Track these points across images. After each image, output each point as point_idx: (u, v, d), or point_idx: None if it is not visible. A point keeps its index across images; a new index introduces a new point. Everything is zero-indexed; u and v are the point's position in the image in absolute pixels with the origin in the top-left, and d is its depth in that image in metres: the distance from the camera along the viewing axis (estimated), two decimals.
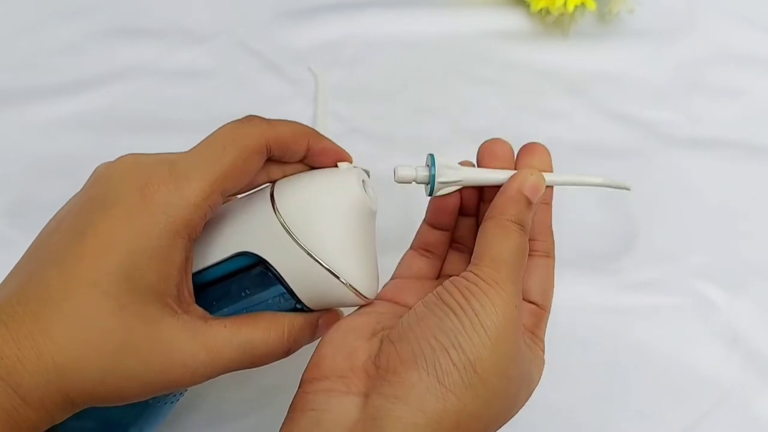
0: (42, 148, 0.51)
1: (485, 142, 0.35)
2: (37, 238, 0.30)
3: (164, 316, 0.29)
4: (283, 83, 0.55)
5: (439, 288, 0.30)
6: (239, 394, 0.43)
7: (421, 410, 0.27)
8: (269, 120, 0.32)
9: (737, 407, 0.44)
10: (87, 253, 0.28)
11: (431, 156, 0.34)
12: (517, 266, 0.30)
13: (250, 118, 0.32)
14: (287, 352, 0.33)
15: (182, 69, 0.55)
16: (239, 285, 0.33)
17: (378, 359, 0.29)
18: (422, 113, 0.54)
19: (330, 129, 0.53)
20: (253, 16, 0.58)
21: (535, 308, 0.34)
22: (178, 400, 0.36)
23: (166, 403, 0.35)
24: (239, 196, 0.35)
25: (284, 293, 0.33)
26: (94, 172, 0.31)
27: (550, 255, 0.35)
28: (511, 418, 0.31)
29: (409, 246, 0.38)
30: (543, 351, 0.33)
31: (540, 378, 0.32)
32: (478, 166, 0.35)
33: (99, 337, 0.27)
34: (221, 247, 0.33)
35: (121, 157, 0.31)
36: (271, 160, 0.33)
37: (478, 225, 0.36)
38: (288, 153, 0.33)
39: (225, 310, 0.33)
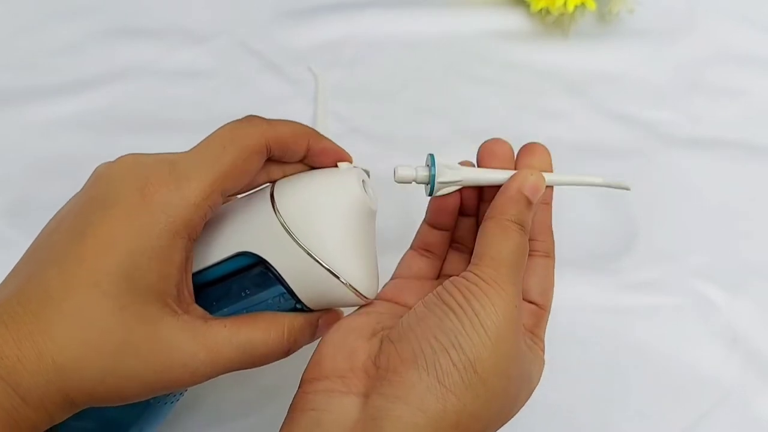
0: (42, 148, 0.51)
1: (485, 141, 0.35)
2: (37, 238, 0.30)
3: (164, 316, 0.29)
4: (283, 83, 0.55)
5: (439, 288, 0.30)
6: (239, 394, 0.43)
7: (421, 410, 0.27)
8: (269, 120, 0.32)
9: (737, 407, 0.44)
10: (87, 254, 0.28)
11: (431, 156, 0.34)
12: (517, 266, 0.30)
13: (250, 118, 0.32)
14: (287, 352, 0.33)
15: (182, 69, 0.55)
16: (239, 285, 0.33)
17: (378, 359, 0.29)
18: (422, 113, 0.54)
19: (330, 129, 0.53)
20: (253, 16, 0.58)
21: (535, 308, 0.34)
22: (178, 400, 0.36)
23: (166, 403, 0.35)
24: (239, 196, 0.35)
25: (284, 293, 0.33)
26: (94, 172, 0.31)
27: (550, 255, 0.35)
28: (511, 418, 0.31)
29: (409, 246, 0.38)
30: (543, 351, 0.33)
31: (540, 378, 0.32)
32: (478, 166, 0.35)
33: (99, 337, 0.27)
34: (221, 247, 0.33)
35: (121, 157, 0.31)
36: (271, 160, 0.33)
37: (478, 225, 0.36)
38: (288, 153, 0.33)
39: (225, 310, 0.33)
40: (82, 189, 0.31)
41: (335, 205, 0.32)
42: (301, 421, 0.28)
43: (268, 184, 0.34)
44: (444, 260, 0.37)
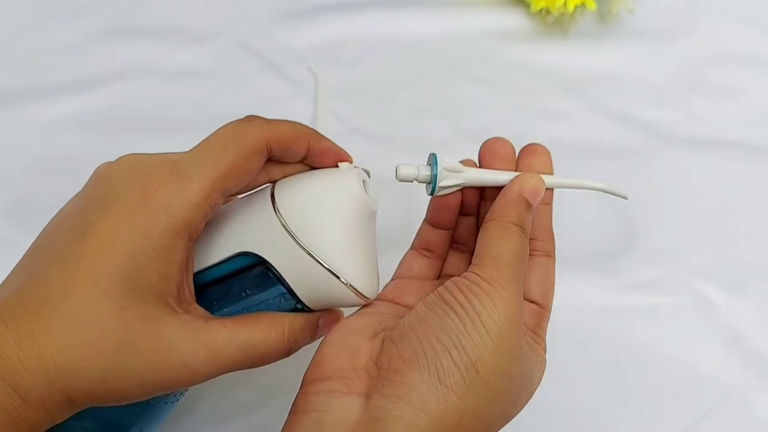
0: (42, 148, 0.51)
1: (487, 141, 0.35)
2: (37, 238, 0.30)
3: (165, 316, 0.29)
4: (283, 83, 0.55)
5: (441, 288, 0.30)
6: (240, 394, 0.43)
7: (422, 410, 0.27)
8: (270, 120, 0.32)
9: (737, 407, 0.44)
10: (88, 253, 0.28)
11: (434, 156, 0.34)
12: (518, 267, 0.30)
13: (251, 118, 0.32)
14: (288, 352, 0.33)
15: (182, 69, 0.55)
16: (240, 285, 0.33)
17: (380, 359, 0.29)
18: (422, 113, 0.54)
19: (330, 129, 0.53)
20: (253, 16, 0.58)
21: (536, 308, 0.34)
22: (178, 400, 0.36)
23: (166, 403, 0.35)
24: (240, 196, 0.35)
25: (285, 293, 0.33)
26: (95, 171, 0.31)
27: (550, 255, 0.35)
28: (512, 418, 0.31)
29: (409, 246, 0.38)
30: (545, 351, 0.33)
31: (542, 378, 0.32)
32: (480, 165, 0.35)
33: (99, 336, 0.27)
34: (222, 247, 0.33)
35: (122, 156, 0.31)
36: (271, 160, 0.33)
37: (478, 225, 0.36)
38: (288, 153, 0.33)
39: (225, 310, 0.33)
40: (83, 189, 0.31)
41: (336, 205, 0.32)
42: (302, 421, 0.28)
43: (268, 184, 0.34)
44: (444, 260, 0.37)
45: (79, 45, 0.56)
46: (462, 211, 0.36)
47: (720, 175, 0.52)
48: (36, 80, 0.54)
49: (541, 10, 0.57)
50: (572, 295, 0.46)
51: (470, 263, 0.31)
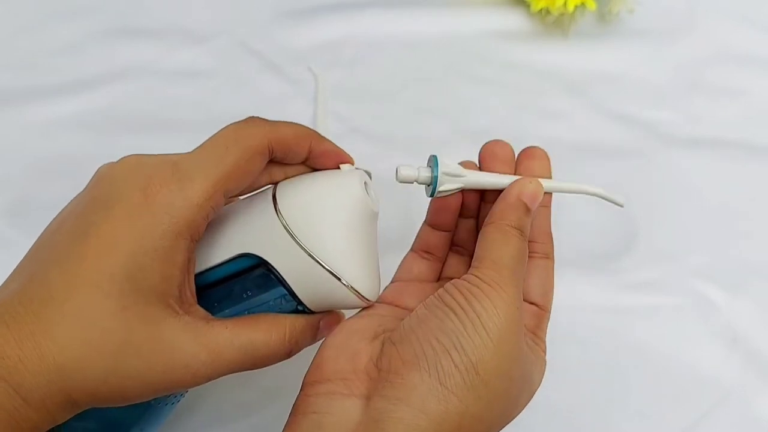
0: (42, 148, 0.51)
1: (487, 143, 0.35)
2: (39, 238, 0.30)
3: (166, 317, 0.29)
4: (283, 83, 0.55)
5: (441, 290, 0.30)
6: (240, 395, 0.43)
7: (423, 412, 0.27)
8: (271, 121, 0.32)
9: (737, 407, 0.44)
10: (89, 254, 0.28)
11: (434, 157, 0.34)
12: (517, 269, 0.30)
13: (253, 120, 0.32)
14: (288, 353, 0.33)
15: (182, 69, 0.55)
16: (241, 286, 0.33)
17: (380, 361, 0.29)
18: (422, 113, 0.54)
19: (330, 129, 0.53)
20: (253, 16, 0.58)
21: (536, 309, 0.34)
22: (179, 401, 0.36)
23: (167, 403, 0.35)
24: (241, 197, 0.35)
25: (286, 295, 0.33)
26: (96, 172, 0.31)
27: (549, 256, 0.35)
28: (513, 419, 0.31)
29: (409, 247, 0.38)
30: (544, 352, 0.33)
31: (542, 379, 0.32)
32: (480, 167, 0.35)
33: (101, 337, 0.27)
34: (223, 249, 0.33)
35: (124, 157, 0.31)
36: (273, 161, 0.33)
37: (478, 227, 0.36)
38: (290, 154, 0.33)
39: (227, 311, 0.33)
40: (84, 189, 0.31)
41: (337, 206, 0.32)
42: (302, 423, 0.28)
43: (270, 185, 0.34)
44: (444, 263, 0.37)
45: (79, 45, 0.56)
46: (462, 214, 0.36)
47: (720, 175, 0.52)
48: (36, 80, 0.54)
49: (541, 10, 0.56)
50: (572, 295, 0.46)
51: (470, 266, 0.31)
